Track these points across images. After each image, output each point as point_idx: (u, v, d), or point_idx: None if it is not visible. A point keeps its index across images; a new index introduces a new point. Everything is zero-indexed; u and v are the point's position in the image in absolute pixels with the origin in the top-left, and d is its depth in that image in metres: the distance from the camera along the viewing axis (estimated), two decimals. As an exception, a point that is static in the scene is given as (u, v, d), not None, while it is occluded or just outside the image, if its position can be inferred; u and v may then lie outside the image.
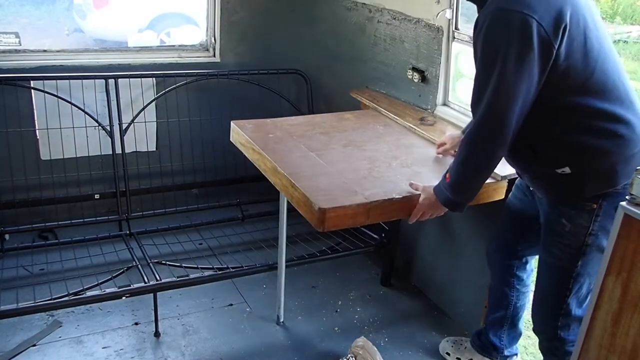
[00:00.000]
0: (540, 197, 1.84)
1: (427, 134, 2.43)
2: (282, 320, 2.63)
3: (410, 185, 1.91)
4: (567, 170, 1.67)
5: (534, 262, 2.20)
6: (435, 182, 1.86)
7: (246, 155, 2.32)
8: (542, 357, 2.04)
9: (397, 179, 2.02)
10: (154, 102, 3.26)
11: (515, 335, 2.31)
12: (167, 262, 2.88)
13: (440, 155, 2.25)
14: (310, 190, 1.86)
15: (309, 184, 1.90)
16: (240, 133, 2.34)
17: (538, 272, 1.93)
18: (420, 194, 1.87)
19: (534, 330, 1.98)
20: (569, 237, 1.73)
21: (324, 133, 2.41)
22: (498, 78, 1.54)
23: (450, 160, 2.14)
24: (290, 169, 2.01)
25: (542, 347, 1.99)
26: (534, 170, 1.80)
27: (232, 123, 2.42)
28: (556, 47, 1.51)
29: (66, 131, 3.08)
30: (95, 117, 3.11)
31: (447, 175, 1.79)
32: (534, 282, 1.99)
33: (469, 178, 1.77)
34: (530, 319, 2.02)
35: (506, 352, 2.32)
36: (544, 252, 1.84)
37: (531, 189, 1.93)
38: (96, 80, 3.08)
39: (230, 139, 2.45)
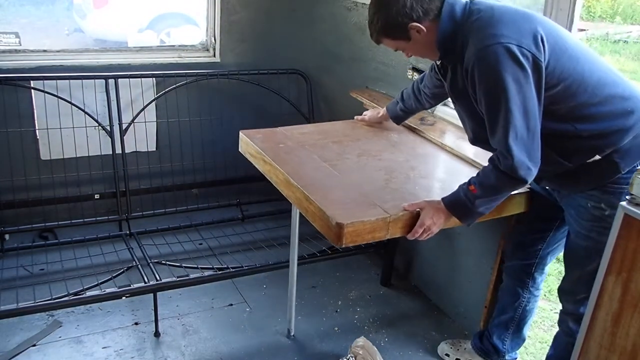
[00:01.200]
0: (567, 193, 1.86)
1: (428, 134, 2.41)
2: (292, 333, 2.56)
3: (406, 208, 1.79)
4: (596, 157, 1.73)
5: (549, 267, 2.19)
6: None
7: (256, 166, 2.22)
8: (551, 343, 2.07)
9: (417, 191, 1.93)
10: (154, 102, 3.26)
11: (519, 341, 2.32)
12: (167, 262, 2.89)
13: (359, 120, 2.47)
14: (326, 203, 1.78)
15: (324, 197, 1.82)
16: (250, 143, 2.24)
17: (572, 260, 1.91)
18: (419, 210, 1.80)
19: (564, 312, 1.98)
20: (608, 220, 1.74)
21: (336, 142, 2.31)
22: (507, 106, 1.61)
23: (456, 165, 2.13)
24: (304, 181, 1.92)
25: (569, 328, 1.96)
26: (563, 170, 1.80)
27: (240, 133, 2.32)
28: (542, 60, 1.62)
29: (66, 131, 3.08)
30: (95, 117, 3.12)
31: (473, 188, 1.75)
32: (551, 286, 1.97)
33: (502, 194, 1.79)
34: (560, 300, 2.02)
35: (507, 357, 2.32)
36: (581, 239, 1.85)
37: (548, 188, 1.95)
38: (96, 80, 3.08)
39: (239, 150, 2.35)
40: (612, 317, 1.45)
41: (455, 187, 1.82)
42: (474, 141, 1.90)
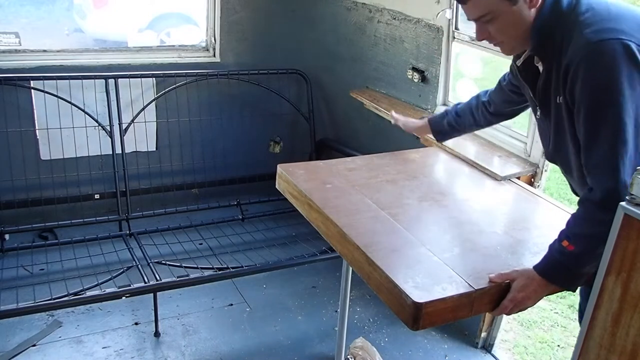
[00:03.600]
0: None
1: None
2: None
3: (493, 279, 1.47)
4: None
5: None
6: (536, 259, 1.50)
7: (299, 210, 1.91)
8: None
9: (499, 253, 1.61)
10: (154, 102, 3.26)
11: None
12: (167, 262, 2.88)
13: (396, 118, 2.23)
14: (395, 272, 1.48)
15: (392, 263, 1.53)
16: (291, 182, 1.93)
17: None
18: (509, 281, 1.48)
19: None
20: None
21: (390, 181, 2.00)
22: (618, 115, 1.35)
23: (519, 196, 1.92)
24: (363, 238, 1.62)
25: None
26: None
27: (278, 168, 2.02)
28: None
29: (66, 131, 3.08)
30: (95, 117, 3.12)
31: (567, 244, 1.42)
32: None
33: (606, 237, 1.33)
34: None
35: None
36: None
37: None
38: (96, 80, 3.09)
39: (277, 187, 2.06)
40: (612, 317, 1.45)
41: (544, 243, 1.54)
42: (553, 156, 1.63)
